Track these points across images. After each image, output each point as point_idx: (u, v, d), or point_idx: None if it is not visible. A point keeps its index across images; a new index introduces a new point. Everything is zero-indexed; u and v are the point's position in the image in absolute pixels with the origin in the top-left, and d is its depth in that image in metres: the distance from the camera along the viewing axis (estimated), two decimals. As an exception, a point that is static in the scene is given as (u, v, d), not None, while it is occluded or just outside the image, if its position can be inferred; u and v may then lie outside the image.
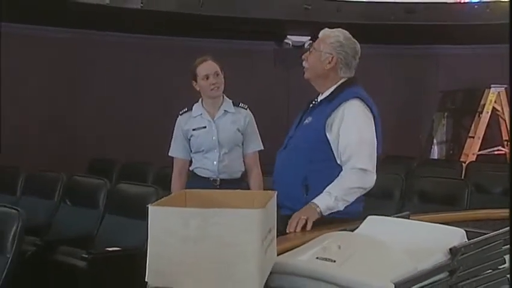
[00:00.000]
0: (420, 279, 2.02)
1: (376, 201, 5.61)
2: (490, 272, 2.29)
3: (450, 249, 2.15)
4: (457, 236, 2.28)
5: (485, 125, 10.67)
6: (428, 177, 6.10)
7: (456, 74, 10.84)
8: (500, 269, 2.31)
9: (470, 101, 11.03)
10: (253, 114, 4.14)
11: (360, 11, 9.26)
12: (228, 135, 4.00)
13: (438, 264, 2.12)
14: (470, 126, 10.96)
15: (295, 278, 2.07)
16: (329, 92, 3.14)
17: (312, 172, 3.00)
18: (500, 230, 2.35)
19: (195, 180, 3.97)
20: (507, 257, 2.35)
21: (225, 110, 4.06)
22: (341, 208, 2.92)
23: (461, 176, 7.53)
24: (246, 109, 4.12)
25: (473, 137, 10.75)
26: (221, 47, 9.66)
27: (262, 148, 4.13)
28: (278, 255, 2.16)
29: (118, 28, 9.14)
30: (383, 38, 10.19)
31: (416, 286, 2.02)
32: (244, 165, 4.11)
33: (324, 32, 3.20)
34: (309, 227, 2.75)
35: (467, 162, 9.42)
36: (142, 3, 8.35)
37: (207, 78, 4.01)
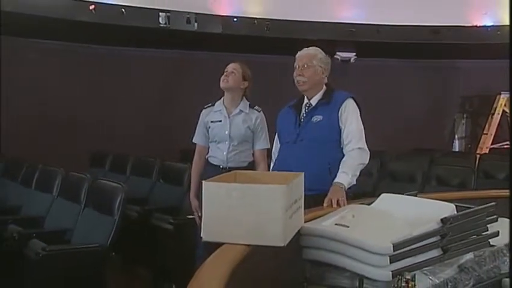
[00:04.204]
0: (415, 241, 2.04)
1: (402, 184, 5.58)
2: (475, 237, 2.28)
3: (441, 219, 2.16)
4: (448, 209, 2.28)
5: (497, 124, 10.54)
6: (444, 165, 6.01)
7: (473, 82, 10.62)
8: (483, 235, 2.30)
9: (484, 104, 10.81)
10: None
11: (395, 32, 9.10)
12: (239, 131, 3.78)
13: (431, 231, 2.13)
14: (485, 125, 10.78)
15: (318, 239, 2.12)
16: (320, 96, 3.21)
17: (332, 157, 3.06)
18: (483, 206, 2.34)
19: (208, 168, 3.80)
20: (490, 226, 2.34)
21: (240, 110, 3.84)
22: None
23: (474, 166, 7.27)
24: (260, 112, 3.89)
25: (487, 134, 10.62)
26: (283, 61, 9.65)
27: (269, 147, 3.80)
28: (308, 221, 2.21)
29: (203, 48, 9.28)
30: (414, 54, 10.04)
31: (412, 246, 2.03)
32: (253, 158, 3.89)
33: (308, 51, 3.23)
34: (345, 203, 2.76)
35: (480, 154, 9.18)
36: (222, 28, 8.50)
37: (224, 71, 3.88)
